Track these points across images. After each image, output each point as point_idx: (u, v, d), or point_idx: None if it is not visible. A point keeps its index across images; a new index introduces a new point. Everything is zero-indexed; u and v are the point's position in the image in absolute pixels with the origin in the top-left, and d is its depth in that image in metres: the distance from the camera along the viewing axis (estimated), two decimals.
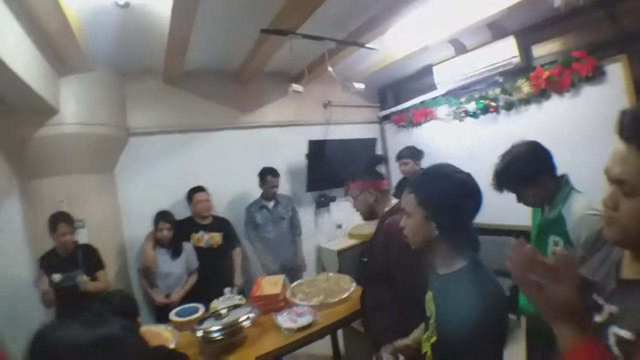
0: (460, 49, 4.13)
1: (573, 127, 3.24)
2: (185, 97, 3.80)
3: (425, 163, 3.70)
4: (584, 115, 3.23)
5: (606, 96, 3.09)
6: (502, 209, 2.83)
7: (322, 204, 4.71)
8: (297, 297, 2.59)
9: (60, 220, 2.71)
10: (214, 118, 3.95)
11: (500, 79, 3.85)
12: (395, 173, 4.81)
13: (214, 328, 2.01)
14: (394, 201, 1.99)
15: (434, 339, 1.15)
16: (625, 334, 0.75)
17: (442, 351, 1.12)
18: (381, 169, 2.07)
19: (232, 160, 4.04)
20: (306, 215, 4.47)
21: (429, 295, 1.25)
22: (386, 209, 1.97)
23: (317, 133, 4.63)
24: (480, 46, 3.87)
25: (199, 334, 2.01)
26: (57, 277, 2.67)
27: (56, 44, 2.54)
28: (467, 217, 1.16)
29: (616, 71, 3.06)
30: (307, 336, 2.16)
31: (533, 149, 1.71)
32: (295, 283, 2.88)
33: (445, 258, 1.18)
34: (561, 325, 0.81)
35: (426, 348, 1.22)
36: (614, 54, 3.08)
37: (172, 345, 2.11)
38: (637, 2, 2.97)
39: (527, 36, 3.66)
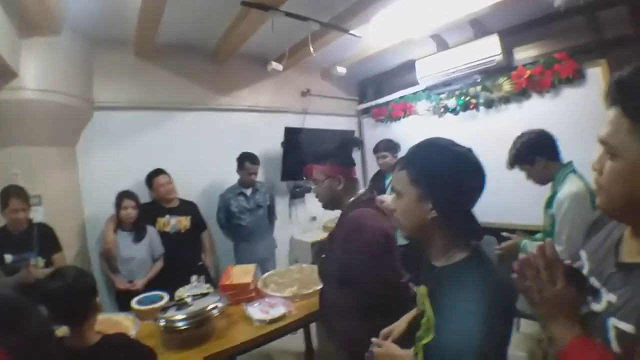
0: (442, 45, 4.11)
1: (552, 127, 3.12)
2: (157, 72, 3.57)
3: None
4: (562, 116, 3.26)
5: (585, 99, 3.15)
6: (489, 205, 2.84)
7: (297, 194, 4.57)
8: (269, 288, 2.47)
9: (13, 195, 2.44)
10: (187, 97, 3.73)
11: (480, 77, 3.87)
12: (371, 166, 4.76)
13: (178, 317, 1.86)
14: (361, 191, 1.81)
15: (427, 339, 1.02)
16: (625, 326, 0.69)
17: (438, 352, 0.98)
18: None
19: (204, 143, 3.83)
20: (280, 206, 4.31)
21: (423, 290, 1.11)
22: (351, 199, 1.76)
23: (294, 122, 4.48)
24: (462, 44, 3.86)
25: (162, 323, 1.85)
26: (8, 257, 2.43)
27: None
28: (467, 198, 1.01)
29: (595, 75, 3.12)
30: (280, 329, 2.05)
31: (539, 134, 2.07)
32: (267, 273, 2.75)
33: (443, 247, 1.03)
34: (556, 325, 0.78)
35: (417, 349, 1.09)
36: (594, 59, 3.14)
37: (132, 335, 1.95)
38: (616, 11, 3.06)
39: (509, 37, 3.68)
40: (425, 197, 1.00)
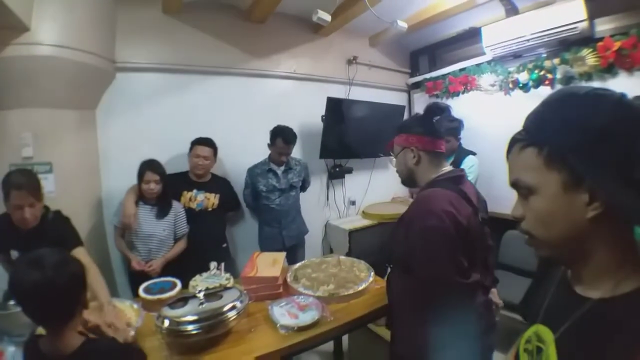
0: (512, 10, 3.51)
1: None
2: (187, 32, 3.18)
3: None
4: None
5: None
6: None
7: (336, 175, 4.11)
8: (301, 283, 2.07)
9: (13, 187, 1.80)
10: (219, 60, 3.32)
11: (546, 52, 3.35)
12: None
13: (186, 319, 1.50)
14: (446, 169, 1.54)
15: None
16: None
17: None
18: (440, 124, 1.55)
19: (235, 111, 3.44)
20: (316, 187, 3.91)
21: (542, 331, 0.70)
22: (433, 176, 1.50)
23: (337, 92, 4.00)
24: (536, 8, 3.27)
25: (165, 324, 1.49)
26: (14, 254, 2.00)
27: None
28: None
29: None
30: (310, 339, 1.64)
31: None
32: (298, 264, 2.36)
33: (608, 266, 0.62)
34: None
35: None
36: None
37: (132, 331, 1.61)
38: None
39: (590, 3, 3.02)
40: (577, 181, 0.59)
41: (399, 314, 1.50)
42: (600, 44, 2.94)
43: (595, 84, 3.04)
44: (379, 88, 4.46)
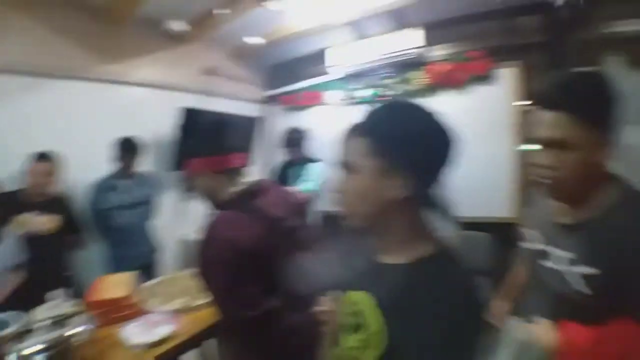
0: (360, 35, 4.01)
1: (461, 122, 3.27)
2: (28, 28, 2.79)
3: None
4: (473, 111, 3.44)
5: (496, 96, 3.43)
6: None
7: (191, 187, 4.02)
8: (151, 301, 2.07)
9: None
10: (63, 62, 2.97)
11: (385, 73, 3.96)
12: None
13: (34, 349, 1.43)
14: (245, 182, 1.47)
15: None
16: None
17: None
18: (227, 137, 1.49)
19: (78, 121, 3.11)
20: (169, 201, 3.76)
21: (362, 298, 0.86)
22: (230, 195, 1.43)
23: (191, 103, 3.86)
24: (381, 34, 3.84)
25: (12, 359, 1.41)
26: None
27: None
28: (443, 170, 0.82)
29: (508, 75, 3.40)
30: (166, 353, 1.68)
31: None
32: (150, 282, 2.34)
33: (404, 239, 0.83)
34: None
35: None
36: (509, 60, 3.39)
37: None
38: (532, 19, 3.31)
39: (428, 32, 3.69)
40: (390, 170, 0.79)
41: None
42: (429, 66, 3.69)
43: (425, 99, 3.73)
44: (236, 100, 4.51)
